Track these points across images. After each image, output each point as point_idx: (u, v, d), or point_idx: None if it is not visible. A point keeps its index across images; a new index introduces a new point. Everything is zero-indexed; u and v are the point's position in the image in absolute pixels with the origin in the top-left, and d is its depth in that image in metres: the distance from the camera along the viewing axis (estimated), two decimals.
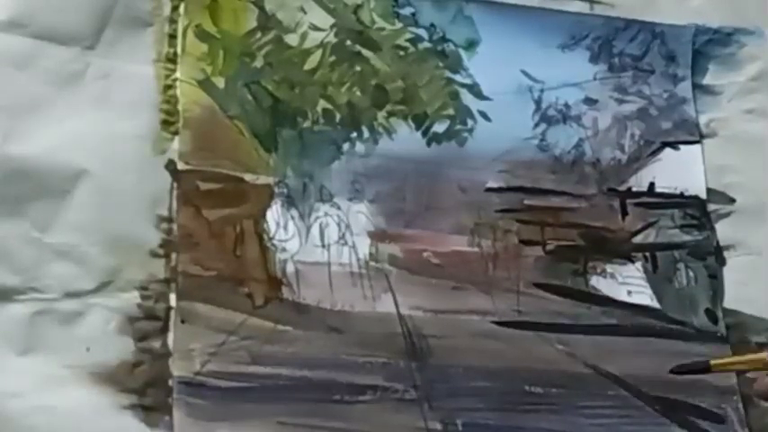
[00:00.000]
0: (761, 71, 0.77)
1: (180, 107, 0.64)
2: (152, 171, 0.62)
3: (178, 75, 0.65)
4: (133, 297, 0.60)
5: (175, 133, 0.64)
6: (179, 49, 0.66)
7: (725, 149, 0.74)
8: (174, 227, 0.62)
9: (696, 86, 0.76)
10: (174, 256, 0.61)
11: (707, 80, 0.76)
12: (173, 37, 0.66)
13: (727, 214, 0.73)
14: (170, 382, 0.59)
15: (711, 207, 0.73)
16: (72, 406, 0.57)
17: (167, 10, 0.66)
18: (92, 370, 0.57)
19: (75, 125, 0.62)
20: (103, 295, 0.59)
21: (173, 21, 0.66)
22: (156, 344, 0.59)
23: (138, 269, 0.60)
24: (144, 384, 0.58)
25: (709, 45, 0.77)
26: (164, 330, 0.60)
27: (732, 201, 0.73)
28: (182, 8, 0.66)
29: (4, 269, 0.58)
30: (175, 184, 0.63)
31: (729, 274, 0.71)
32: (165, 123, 0.64)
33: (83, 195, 0.61)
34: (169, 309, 0.60)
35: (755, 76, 0.77)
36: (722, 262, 0.71)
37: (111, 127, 0.62)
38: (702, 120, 0.75)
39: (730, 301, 0.69)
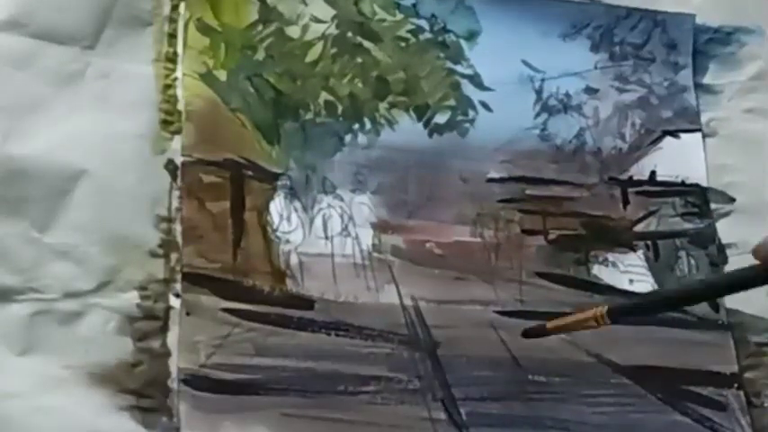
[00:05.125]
0: (761, 70, 0.77)
1: (180, 106, 0.65)
2: (151, 171, 0.63)
3: (179, 72, 0.65)
4: (132, 297, 0.60)
5: (175, 133, 0.64)
6: (180, 45, 0.66)
7: (725, 149, 0.74)
8: (173, 227, 0.62)
9: (696, 86, 0.76)
10: (173, 256, 0.61)
11: (707, 79, 0.76)
12: (172, 36, 0.66)
13: (728, 214, 0.73)
14: (169, 383, 0.58)
15: (711, 206, 0.72)
16: (71, 406, 0.56)
17: (167, 9, 0.66)
18: (91, 370, 0.57)
19: (75, 125, 0.62)
20: (103, 295, 0.59)
21: (172, 20, 0.66)
22: (156, 344, 0.59)
23: (137, 269, 0.60)
24: (143, 384, 0.58)
25: (710, 44, 0.76)
26: (163, 330, 0.60)
27: (732, 200, 0.73)
28: (182, 3, 0.66)
29: (3, 269, 0.58)
30: (174, 184, 0.63)
31: None
32: (165, 123, 0.64)
33: (82, 195, 0.61)
34: (168, 309, 0.60)
35: (756, 76, 0.76)
36: (724, 260, 0.71)
37: (110, 127, 0.62)
38: (703, 119, 0.75)
39: (730, 300, 0.69)
